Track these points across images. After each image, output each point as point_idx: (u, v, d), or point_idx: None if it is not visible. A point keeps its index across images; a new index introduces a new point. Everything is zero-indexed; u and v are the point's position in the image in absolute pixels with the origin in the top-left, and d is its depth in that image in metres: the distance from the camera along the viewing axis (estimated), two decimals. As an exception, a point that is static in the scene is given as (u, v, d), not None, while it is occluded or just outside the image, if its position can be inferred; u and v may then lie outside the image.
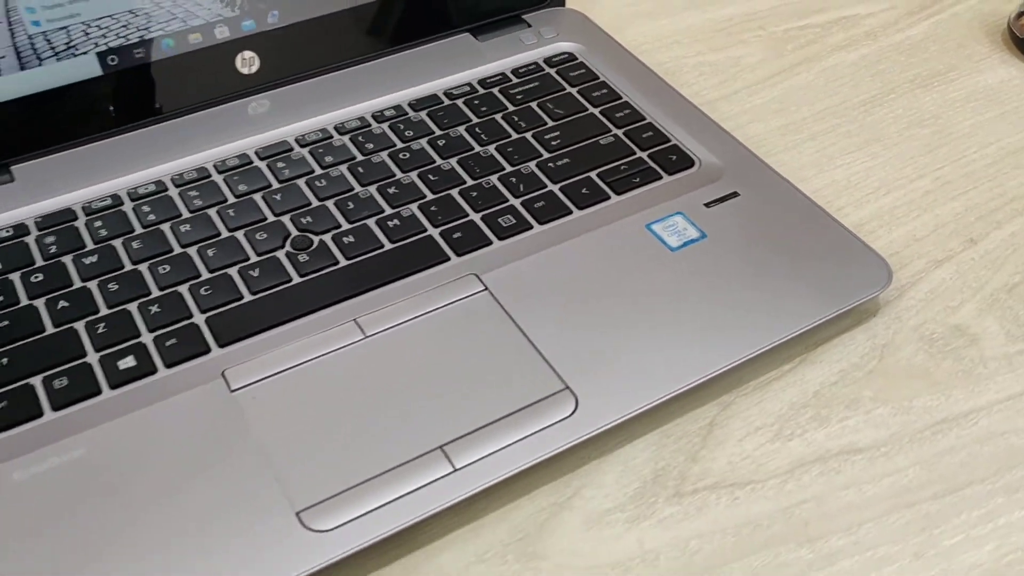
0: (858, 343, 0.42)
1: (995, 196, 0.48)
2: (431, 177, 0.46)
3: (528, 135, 0.48)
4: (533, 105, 0.50)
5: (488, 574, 0.34)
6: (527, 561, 0.34)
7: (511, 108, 0.50)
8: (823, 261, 0.42)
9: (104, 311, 0.40)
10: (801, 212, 0.45)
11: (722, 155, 0.48)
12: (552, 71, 0.53)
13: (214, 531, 0.33)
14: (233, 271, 0.41)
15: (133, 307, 0.40)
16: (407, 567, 0.34)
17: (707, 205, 0.45)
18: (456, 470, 0.35)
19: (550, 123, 0.49)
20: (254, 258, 0.42)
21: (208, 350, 0.38)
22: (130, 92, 0.48)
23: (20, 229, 0.43)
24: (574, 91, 0.51)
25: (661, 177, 0.46)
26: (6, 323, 0.39)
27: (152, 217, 0.43)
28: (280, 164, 0.46)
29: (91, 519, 0.33)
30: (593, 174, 0.46)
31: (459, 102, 0.50)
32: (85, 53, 0.46)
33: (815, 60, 0.58)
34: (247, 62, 0.50)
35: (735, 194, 0.45)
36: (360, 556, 0.33)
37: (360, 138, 0.48)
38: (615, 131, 0.49)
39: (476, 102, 0.50)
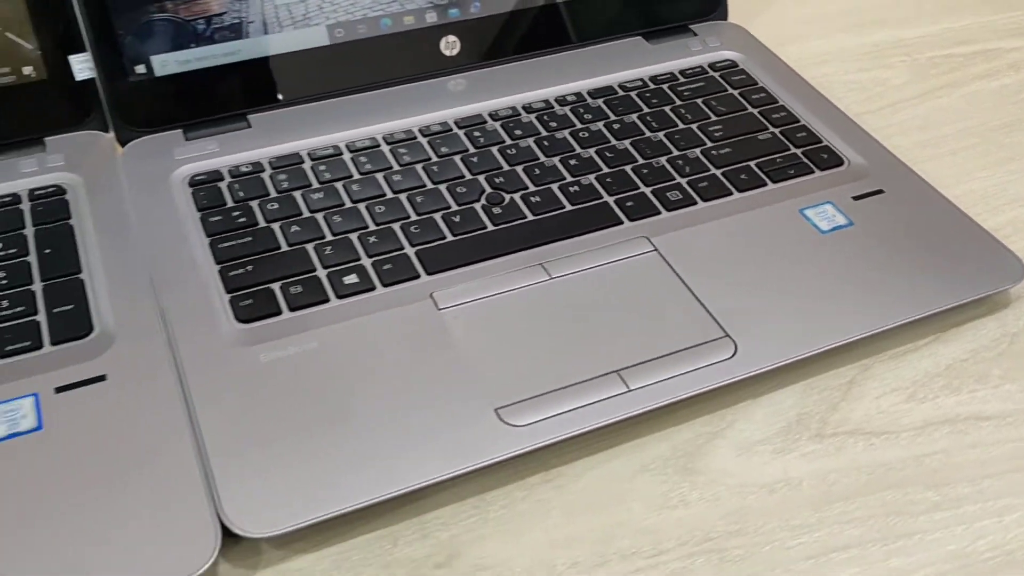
0: (989, 329, 0.46)
1: (1125, 217, 0.52)
2: (607, 154, 0.52)
3: (694, 126, 0.54)
4: (698, 102, 0.56)
5: (651, 481, 0.39)
6: (685, 475, 0.40)
7: (678, 102, 0.56)
8: (960, 254, 0.47)
9: (329, 237, 0.46)
10: (941, 211, 0.49)
11: (869, 157, 0.52)
12: (716, 75, 0.58)
13: (425, 418, 0.39)
14: (437, 216, 0.48)
15: (354, 237, 0.46)
16: (583, 467, 0.40)
17: (854, 198, 0.50)
18: (629, 391, 0.40)
19: (713, 118, 0.55)
20: (454, 207, 0.48)
21: (418, 276, 0.45)
22: (350, 61, 0.55)
23: (256, 166, 0.50)
24: (735, 93, 0.57)
25: (813, 171, 0.52)
26: (249, 239, 0.46)
27: (368, 167, 0.50)
28: (476, 133, 0.53)
29: (322, 395, 0.39)
30: (752, 163, 0.52)
31: (632, 94, 0.56)
32: (317, 24, 0.54)
33: (957, 86, 0.62)
34: (450, 45, 0.57)
35: (880, 191, 0.50)
36: (545, 451, 0.39)
37: (545, 117, 0.54)
38: (772, 129, 0.54)
39: (647, 95, 0.56)
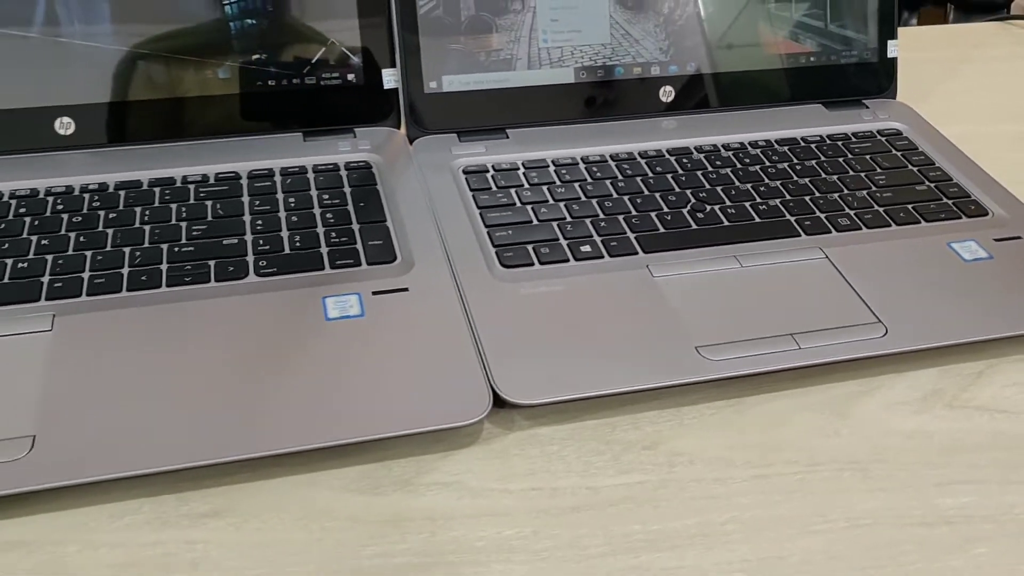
0: (1102, 350, 0.55)
1: None
2: (790, 186, 0.64)
3: (862, 174, 0.66)
4: (867, 156, 0.68)
5: (811, 417, 0.50)
6: (839, 417, 0.51)
7: (850, 156, 0.68)
8: (1083, 290, 0.57)
9: (569, 219, 0.60)
10: (1070, 258, 0.60)
11: (1011, 212, 0.63)
12: (883, 139, 0.70)
13: (642, 344, 0.51)
14: (652, 214, 0.61)
15: (588, 221, 0.60)
16: (758, 400, 0.51)
17: (995, 240, 0.60)
18: (800, 349, 0.52)
19: (878, 170, 0.67)
20: (666, 209, 0.62)
21: (637, 253, 0.58)
22: (588, 97, 0.69)
23: (513, 165, 0.65)
24: (898, 153, 0.69)
25: (960, 217, 0.63)
26: (509, 213, 0.60)
27: (599, 174, 0.64)
28: (684, 160, 0.66)
29: (566, 319, 0.52)
30: (909, 205, 0.63)
31: (812, 145, 0.69)
32: (567, 67, 0.69)
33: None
34: (666, 93, 0.71)
35: (1018, 237, 0.61)
36: (730, 383, 0.51)
37: (740, 155, 0.67)
38: (927, 183, 0.66)
39: (824, 147, 0.69)
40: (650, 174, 0.65)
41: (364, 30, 0.66)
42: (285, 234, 0.57)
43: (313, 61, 0.65)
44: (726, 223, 0.61)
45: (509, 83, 0.68)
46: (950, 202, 0.64)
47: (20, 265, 0.54)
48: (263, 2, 0.64)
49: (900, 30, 0.77)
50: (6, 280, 0.53)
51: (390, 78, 0.67)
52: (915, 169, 0.67)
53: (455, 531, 0.44)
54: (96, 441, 0.44)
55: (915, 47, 0.94)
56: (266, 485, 0.45)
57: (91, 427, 0.45)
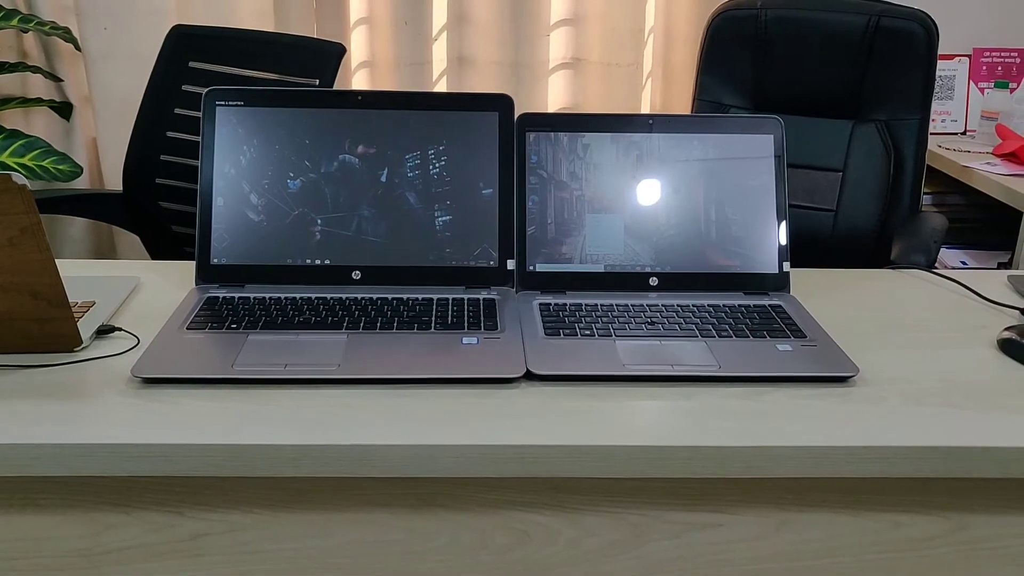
0: None
1: None
2: (706, 318, 1.26)
3: (746, 317, 1.27)
4: (754, 312, 1.29)
5: None
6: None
7: (741, 311, 1.29)
8: None
9: (583, 324, 1.24)
10: None
11: (818, 338, 1.21)
12: (771, 310, 1.31)
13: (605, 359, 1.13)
14: (628, 325, 1.24)
15: (593, 325, 1.24)
16: (650, 387, 1.11)
17: (802, 345, 1.19)
18: (672, 366, 1.12)
19: (757, 317, 1.27)
20: (635, 323, 1.24)
21: (610, 336, 1.21)
22: (609, 280, 1.35)
23: (563, 304, 1.30)
24: (771, 311, 1.29)
25: (789, 337, 1.22)
26: (561, 323, 1.25)
27: (605, 311, 1.28)
28: (653, 307, 1.30)
29: (561, 355, 1.15)
30: (763, 330, 1.23)
31: (726, 307, 1.31)
32: (599, 264, 1.35)
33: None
34: (654, 281, 1.35)
35: (815, 345, 1.19)
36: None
37: (686, 309, 1.30)
38: (779, 323, 1.25)
39: (732, 308, 1.30)
40: (649, 311, 1.28)
41: (501, 240, 1.35)
42: (449, 317, 1.24)
43: (475, 253, 1.35)
44: (679, 330, 1.23)
45: (569, 268, 1.35)
46: (785, 328, 1.23)
47: (334, 319, 1.23)
48: (453, 227, 1.36)
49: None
50: (329, 321, 1.22)
51: (511, 264, 1.35)
52: (776, 317, 1.27)
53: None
54: (359, 366, 1.11)
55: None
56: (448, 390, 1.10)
57: (360, 361, 1.11)
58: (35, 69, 2.37)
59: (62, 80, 2.44)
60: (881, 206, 2.08)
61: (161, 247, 2.12)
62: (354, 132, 1.36)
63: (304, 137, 1.35)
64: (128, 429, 0.99)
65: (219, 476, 1.00)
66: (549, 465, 1.00)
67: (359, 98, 1.38)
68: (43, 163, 2.14)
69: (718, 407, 1.07)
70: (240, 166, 1.34)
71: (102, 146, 2.49)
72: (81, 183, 2.49)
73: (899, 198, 2.07)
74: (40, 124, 2.48)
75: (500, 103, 1.38)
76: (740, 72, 2.11)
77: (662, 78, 2.60)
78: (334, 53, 1.98)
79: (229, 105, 1.36)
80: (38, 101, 2.40)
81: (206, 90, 1.37)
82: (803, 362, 1.15)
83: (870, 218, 2.08)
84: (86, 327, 1.18)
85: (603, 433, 1.01)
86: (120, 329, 1.20)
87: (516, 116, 1.38)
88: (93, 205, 2.14)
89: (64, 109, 2.45)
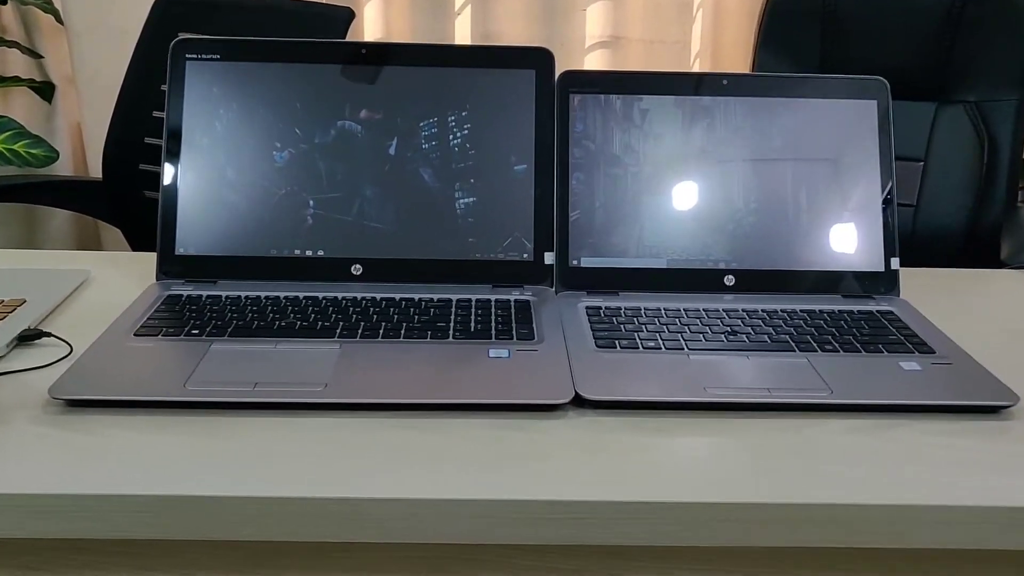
0: None
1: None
2: (797, 333, 0.98)
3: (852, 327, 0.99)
4: (861, 321, 1.01)
5: (771, 430, 0.82)
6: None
7: (844, 322, 1.01)
8: None
9: (644, 332, 0.97)
10: None
11: (951, 353, 0.93)
12: (881, 317, 1.03)
13: (665, 385, 0.86)
14: (702, 335, 0.96)
15: (657, 334, 0.96)
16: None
17: (932, 363, 0.91)
18: (770, 390, 0.84)
19: (865, 327, 0.99)
20: (710, 334, 0.97)
21: (686, 352, 0.93)
22: (674, 278, 1.07)
23: (615, 310, 1.03)
24: (884, 321, 1.01)
25: (913, 352, 0.94)
26: (612, 329, 0.98)
27: (675, 318, 1.01)
28: (731, 313, 1.02)
29: (626, 366, 0.88)
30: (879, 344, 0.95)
31: (825, 314, 1.03)
32: (661, 257, 1.08)
33: (1043, 348, 1.00)
34: (729, 280, 1.07)
35: (950, 363, 0.91)
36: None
37: (775, 315, 1.02)
38: (897, 335, 0.97)
39: (832, 316, 1.02)
40: (720, 325, 1.00)
41: (537, 228, 1.08)
42: (472, 323, 0.97)
43: (505, 244, 1.08)
44: (768, 342, 0.95)
45: (620, 264, 1.07)
46: (905, 341, 0.95)
47: (325, 324, 0.96)
48: (478, 212, 1.09)
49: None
50: (318, 327, 0.95)
51: (549, 258, 1.08)
52: (890, 326, 0.99)
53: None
54: (353, 387, 0.83)
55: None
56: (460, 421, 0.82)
57: (354, 381, 0.84)
58: (12, 44, 2.12)
59: (42, 57, 2.19)
60: (971, 200, 1.80)
61: (145, 242, 1.86)
62: (356, 93, 1.09)
63: (294, 99, 1.09)
64: (36, 474, 0.73)
65: (161, 538, 0.74)
66: (603, 526, 0.73)
67: (363, 52, 1.11)
68: (14, 146, 1.89)
69: (832, 446, 0.79)
70: (215, 134, 1.08)
71: (87, 131, 2.24)
72: (65, 172, 2.24)
73: (993, 190, 1.78)
74: (19, 106, 2.23)
75: (537, 58, 1.11)
76: (804, 49, 1.83)
77: (711, 57, 2.32)
78: (341, 19, 1.72)
79: (202, 59, 1.10)
80: (16, 80, 2.15)
81: (174, 41, 1.11)
82: (939, 386, 0.87)
83: (958, 214, 1.79)
84: (5, 331, 0.92)
85: (678, 483, 0.74)
86: (49, 335, 0.93)
87: (557, 75, 1.11)
88: (68, 193, 1.88)
89: (45, 90, 2.20)
